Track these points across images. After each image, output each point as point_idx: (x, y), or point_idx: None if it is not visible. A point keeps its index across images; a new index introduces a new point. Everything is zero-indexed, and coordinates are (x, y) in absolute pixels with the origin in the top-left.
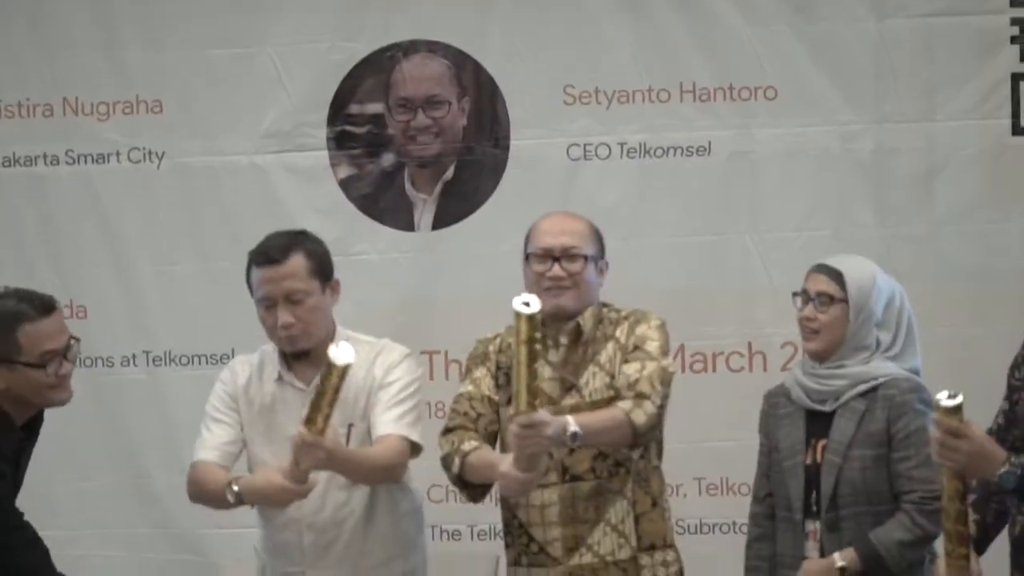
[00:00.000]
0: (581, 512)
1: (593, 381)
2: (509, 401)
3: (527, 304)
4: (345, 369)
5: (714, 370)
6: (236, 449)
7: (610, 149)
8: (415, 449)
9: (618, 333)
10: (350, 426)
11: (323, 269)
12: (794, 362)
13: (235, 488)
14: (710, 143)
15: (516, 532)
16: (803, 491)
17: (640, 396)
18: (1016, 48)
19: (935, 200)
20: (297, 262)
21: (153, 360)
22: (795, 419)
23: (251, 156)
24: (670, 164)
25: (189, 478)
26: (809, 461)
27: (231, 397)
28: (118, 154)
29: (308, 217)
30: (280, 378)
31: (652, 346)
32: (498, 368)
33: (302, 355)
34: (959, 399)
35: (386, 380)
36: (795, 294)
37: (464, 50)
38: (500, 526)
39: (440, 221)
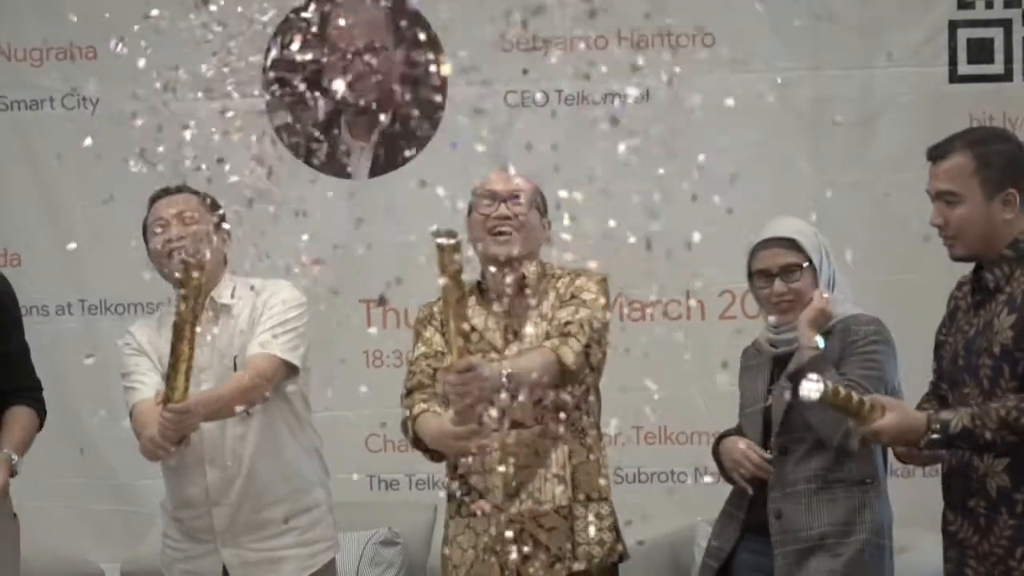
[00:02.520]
0: (521, 459)
1: (535, 330)
2: None
3: (448, 235)
4: (185, 328)
5: (652, 319)
6: None
7: (548, 96)
8: (292, 369)
9: (559, 285)
10: (235, 358)
11: (216, 211)
12: (733, 309)
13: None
14: (648, 90)
15: (456, 483)
16: (761, 435)
17: (567, 335)
18: None
19: (872, 148)
20: (191, 197)
21: (88, 308)
22: (762, 368)
23: (187, 103)
24: (607, 111)
25: (134, 419)
26: (768, 407)
27: (140, 352)
28: (52, 100)
29: (243, 164)
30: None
31: (588, 296)
32: (443, 324)
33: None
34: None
35: (266, 308)
36: (752, 274)
37: None
38: (438, 476)
39: (376, 168)
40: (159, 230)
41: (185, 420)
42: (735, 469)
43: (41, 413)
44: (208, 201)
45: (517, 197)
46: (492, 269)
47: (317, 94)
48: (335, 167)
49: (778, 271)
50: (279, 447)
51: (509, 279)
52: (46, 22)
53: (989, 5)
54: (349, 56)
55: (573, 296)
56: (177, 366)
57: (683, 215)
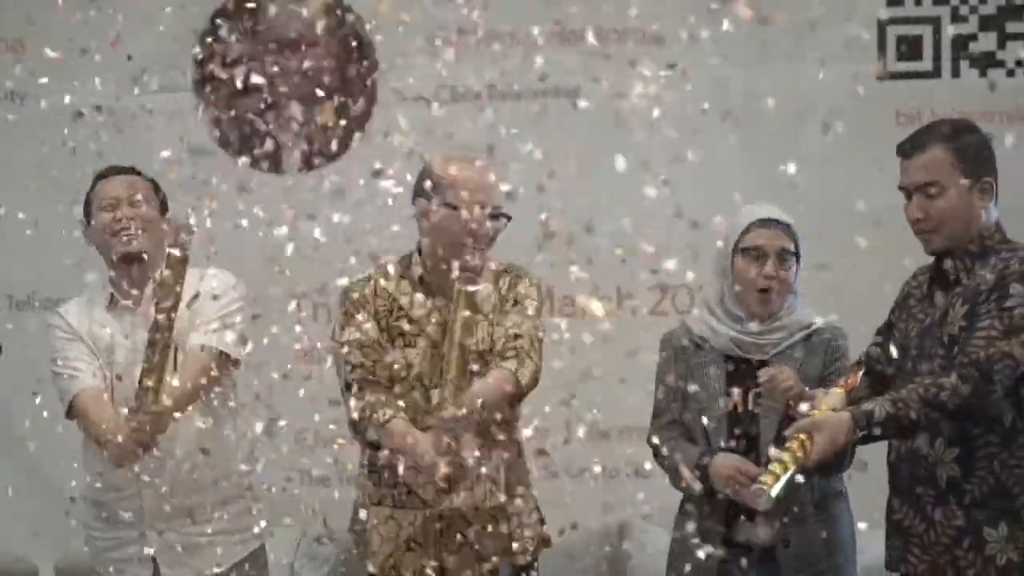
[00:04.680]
0: (449, 453)
1: (478, 330)
2: (393, 342)
3: (470, 281)
4: (164, 328)
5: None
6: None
7: (480, 91)
8: (233, 362)
9: (501, 284)
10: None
11: (160, 197)
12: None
13: None
14: (579, 86)
15: (382, 472)
16: (726, 435)
17: (521, 355)
18: None
19: (802, 144)
20: (136, 177)
21: (16, 304)
22: (715, 365)
23: (117, 98)
24: (539, 106)
25: (79, 410)
26: (733, 408)
27: (74, 336)
28: None
29: (175, 158)
30: (111, 299)
31: (531, 304)
32: (377, 313)
33: (131, 266)
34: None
35: (207, 297)
36: (744, 249)
37: None
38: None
39: (308, 162)
40: (107, 208)
41: (161, 423)
42: (728, 486)
43: None
44: (153, 185)
45: (497, 216)
46: (443, 266)
47: (248, 87)
48: (266, 161)
49: (775, 252)
50: (212, 432)
51: (455, 273)
52: None
53: (918, 3)
54: (280, 49)
55: (516, 302)
56: (153, 367)
57: (611, 212)
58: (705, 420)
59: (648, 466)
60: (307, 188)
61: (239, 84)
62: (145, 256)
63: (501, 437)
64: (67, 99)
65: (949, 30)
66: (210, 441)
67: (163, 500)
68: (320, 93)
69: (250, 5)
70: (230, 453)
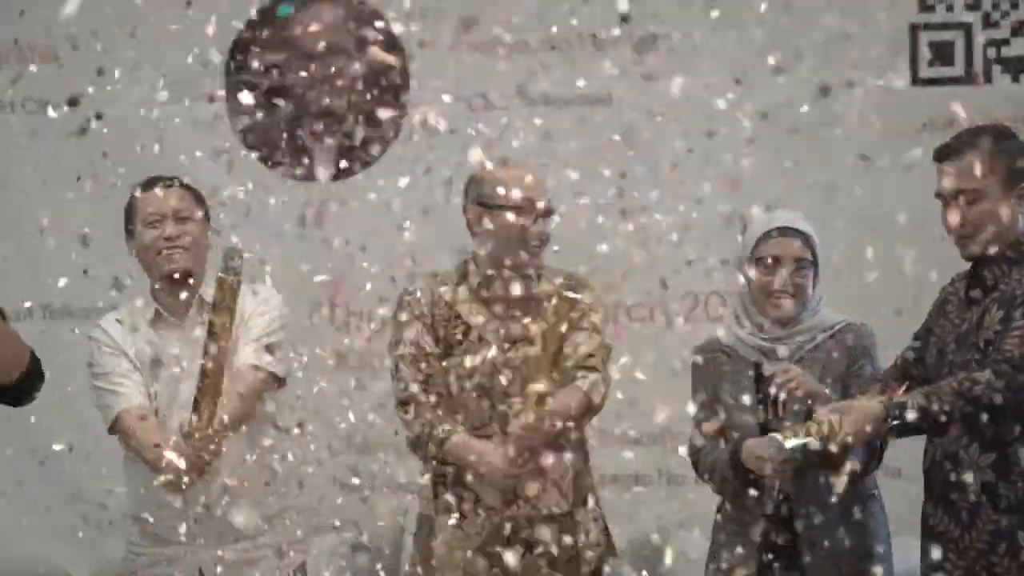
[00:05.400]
0: (522, 464)
1: (539, 338)
2: (451, 351)
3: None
4: (219, 353)
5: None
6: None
7: (510, 99)
8: (279, 381)
9: (562, 291)
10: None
11: (204, 205)
12: (697, 312)
13: None
14: (610, 93)
15: (450, 483)
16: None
17: (594, 371)
18: None
19: (835, 150)
20: (182, 191)
21: (50, 314)
22: (745, 373)
23: (149, 107)
24: (570, 114)
25: (124, 428)
26: (763, 414)
27: (118, 351)
28: (12, 105)
29: (206, 168)
30: (156, 315)
31: (596, 319)
32: (435, 321)
33: (178, 284)
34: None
35: (255, 314)
36: (760, 258)
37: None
38: (400, 480)
39: (339, 172)
40: (153, 224)
41: (215, 448)
42: (761, 468)
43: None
44: (197, 196)
45: (551, 214)
46: (499, 272)
47: (279, 98)
48: (297, 170)
49: (790, 261)
50: (257, 450)
51: (515, 283)
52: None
53: (950, 8)
54: (311, 59)
55: (583, 316)
56: (207, 392)
57: (648, 220)
58: (736, 427)
59: (681, 472)
60: (338, 196)
61: (269, 93)
62: (192, 274)
63: (569, 445)
64: (98, 109)
65: (981, 36)
66: (257, 458)
67: (209, 517)
68: (352, 101)
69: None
70: (276, 469)
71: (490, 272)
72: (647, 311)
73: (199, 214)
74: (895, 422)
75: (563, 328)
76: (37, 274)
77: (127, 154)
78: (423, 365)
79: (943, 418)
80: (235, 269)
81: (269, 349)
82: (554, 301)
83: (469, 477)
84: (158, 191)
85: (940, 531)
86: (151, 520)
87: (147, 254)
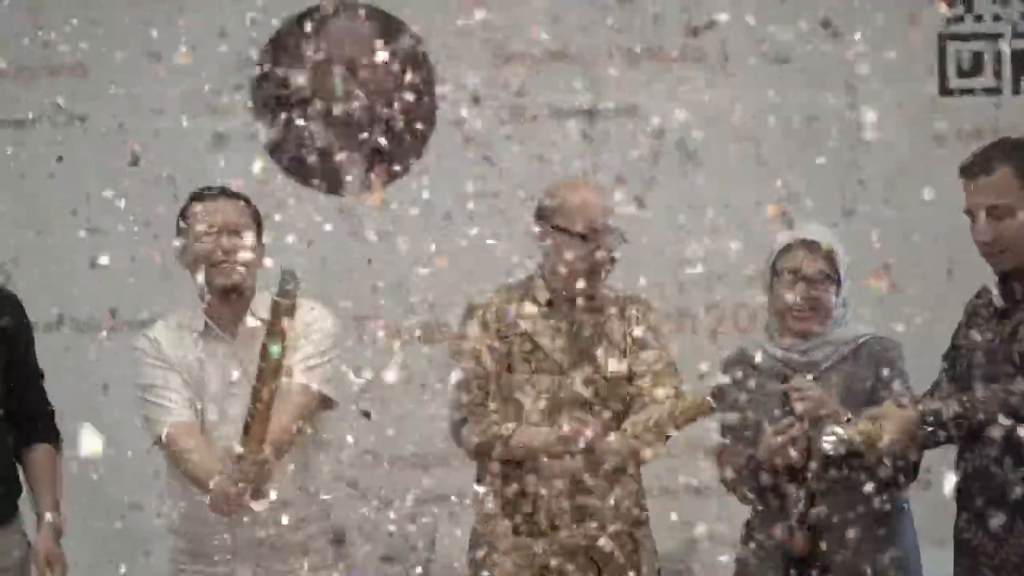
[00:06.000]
0: (589, 483)
1: (607, 356)
2: (516, 366)
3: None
4: (270, 375)
5: None
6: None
7: (540, 111)
8: (328, 401)
9: (628, 314)
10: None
11: (259, 221)
12: (724, 326)
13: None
14: (639, 106)
15: (518, 502)
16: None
17: (673, 388)
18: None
19: (863, 163)
20: (238, 203)
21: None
22: (771, 385)
23: (175, 120)
24: (600, 127)
25: (173, 445)
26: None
27: (166, 363)
28: (41, 118)
29: (233, 182)
30: (206, 328)
31: (663, 336)
32: (499, 333)
33: (229, 298)
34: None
35: (308, 333)
36: (776, 273)
37: (389, 11)
38: (434, 492)
39: (368, 184)
40: (207, 235)
41: (266, 472)
42: (778, 455)
43: (59, 443)
44: (254, 211)
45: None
46: (565, 289)
47: (306, 110)
48: (325, 184)
49: (809, 276)
50: (304, 469)
51: (581, 307)
52: (33, 40)
53: (979, 19)
54: (339, 72)
55: (652, 332)
56: (258, 415)
57: (675, 235)
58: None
59: (707, 483)
60: (365, 211)
61: (297, 106)
62: (244, 290)
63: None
64: (129, 122)
65: (1010, 46)
66: (303, 477)
67: (255, 535)
68: (379, 112)
69: (308, 28)
70: (321, 487)
71: (554, 287)
72: (675, 324)
73: (253, 227)
74: (930, 428)
75: (629, 347)
76: (66, 287)
77: (158, 168)
78: (481, 381)
79: (977, 424)
80: (291, 292)
81: (319, 368)
82: (617, 322)
83: (540, 500)
84: (218, 201)
85: (974, 544)
86: (193, 535)
87: (200, 266)
